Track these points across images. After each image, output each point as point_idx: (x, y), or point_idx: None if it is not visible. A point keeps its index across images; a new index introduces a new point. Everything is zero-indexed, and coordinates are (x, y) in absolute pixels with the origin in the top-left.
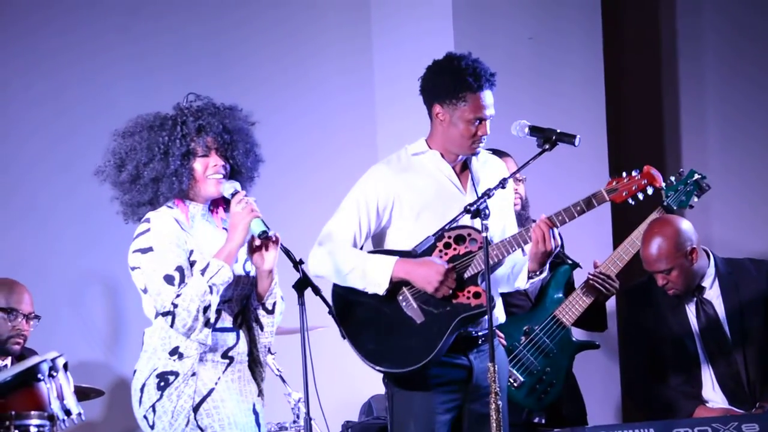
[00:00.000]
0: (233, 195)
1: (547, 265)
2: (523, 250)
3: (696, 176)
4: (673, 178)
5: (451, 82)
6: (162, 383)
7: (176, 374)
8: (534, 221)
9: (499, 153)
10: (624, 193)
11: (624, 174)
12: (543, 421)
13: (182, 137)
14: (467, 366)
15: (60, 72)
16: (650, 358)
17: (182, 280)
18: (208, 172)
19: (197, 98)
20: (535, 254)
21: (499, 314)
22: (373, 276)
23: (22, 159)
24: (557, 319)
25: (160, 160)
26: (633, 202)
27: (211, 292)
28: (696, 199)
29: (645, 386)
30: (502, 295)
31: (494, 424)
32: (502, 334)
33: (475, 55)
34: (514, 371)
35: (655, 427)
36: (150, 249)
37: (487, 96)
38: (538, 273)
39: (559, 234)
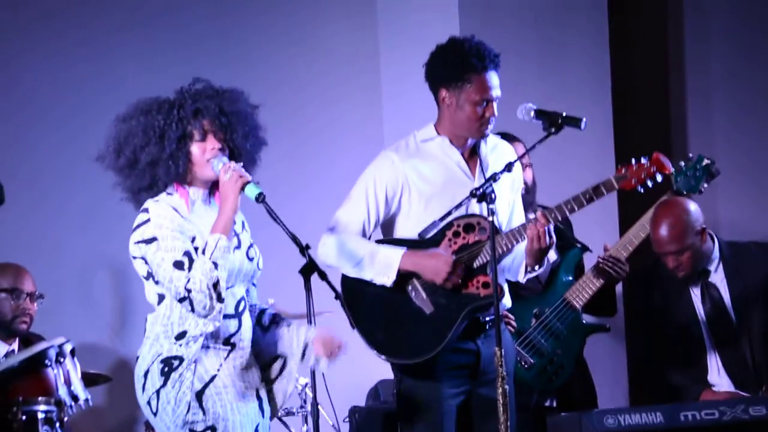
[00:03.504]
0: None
1: (545, 261)
2: None
3: (705, 161)
4: (682, 163)
5: (455, 64)
6: (166, 368)
7: (180, 359)
8: (540, 207)
9: (508, 137)
10: (633, 181)
11: (633, 161)
12: (554, 404)
13: (179, 121)
14: (475, 351)
15: (67, 52)
16: (656, 342)
17: (191, 265)
18: (206, 155)
19: (197, 81)
20: (530, 250)
21: (506, 301)
22: (380, 268)
23: (26, 140)
24: (568, 302)
25: (156, 143)
26: (642, 190)
27: (216, 267)
28: (706, 185)
29: (651, 371)
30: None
31: (501, 408)
32: (512, 317)
33: (480, 37)
34: (524, 353)
35: (662, 410)
36: (154, 239)
37: (493, 77)
38: (536, 268)
39: (568, 220)
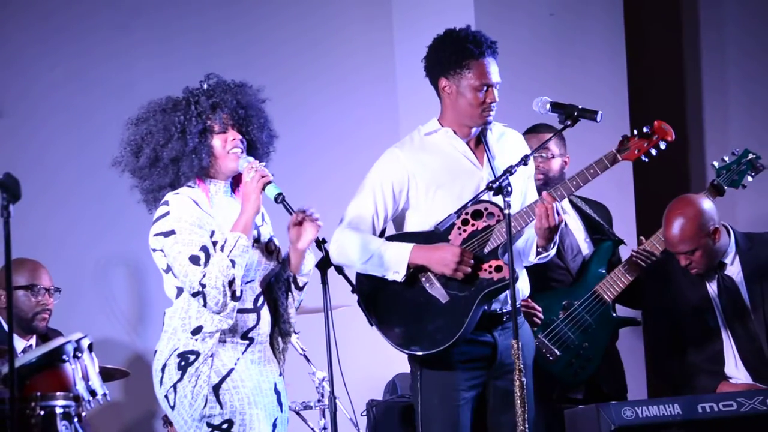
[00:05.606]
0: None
1: (556, 243)
2: None
3: (750, 155)
4: (726, 158)
5: (452, 52)
6: (183, 363)
7: (197, 354)
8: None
9: (536, 128)
10: (636, 151)
11: (635, 132)
12: (580, 397)
13: (198, 115)
14: (492, 343)
15: (80, 54)
16: (672, 334)
17: (207, 260)
18: (228, 147)
19: (207, 78)
20: (540, 230)
21: (524, 287)
22: (390, 264)
23: (43, 139)
24: (598, 295)
25: (178, 139)
26: (647, 159)
27: (233, 265)
28: (750, 179)
29: (668, 363)
30: (543, 270)
31: (518, 401)
32: (539, 308)
33: (495, 31)
34: (551, 345)
35: (680, 402)
36: (172, 232)
37: (491, 63)
38: (548, 248)
39: (608, 213)
